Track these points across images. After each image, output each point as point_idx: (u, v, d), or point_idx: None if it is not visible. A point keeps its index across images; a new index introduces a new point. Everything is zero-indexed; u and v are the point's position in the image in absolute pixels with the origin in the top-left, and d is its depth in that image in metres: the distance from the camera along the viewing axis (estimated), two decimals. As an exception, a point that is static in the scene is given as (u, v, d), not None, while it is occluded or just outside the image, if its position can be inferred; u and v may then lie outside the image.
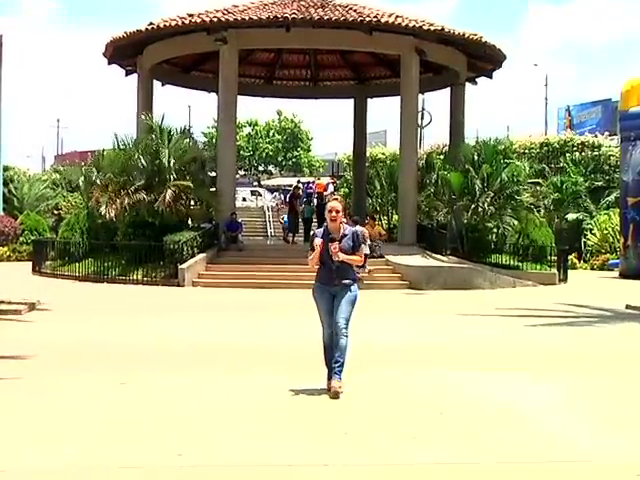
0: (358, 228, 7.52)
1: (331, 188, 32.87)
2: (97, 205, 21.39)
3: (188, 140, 22.96)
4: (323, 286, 6.80)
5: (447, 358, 9.06)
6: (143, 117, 22.92)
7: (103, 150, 24.74)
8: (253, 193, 44.44)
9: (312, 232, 7.12)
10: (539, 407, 6.50)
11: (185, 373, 7.78)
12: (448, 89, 26.21)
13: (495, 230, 22.34)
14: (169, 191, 20.77)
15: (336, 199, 6.99)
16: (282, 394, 6.71)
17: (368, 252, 16.33)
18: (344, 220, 6.91)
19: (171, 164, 21.38)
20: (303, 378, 7.29)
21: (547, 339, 10.74)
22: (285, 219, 29.17)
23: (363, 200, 28.96)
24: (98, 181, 22.33)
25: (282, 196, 45.25)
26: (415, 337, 10.93)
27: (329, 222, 6.81)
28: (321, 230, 6.92)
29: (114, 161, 22.02)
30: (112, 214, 20.77)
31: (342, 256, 6.67)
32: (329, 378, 6.73)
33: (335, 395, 6.56)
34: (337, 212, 6.75)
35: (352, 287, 6.79)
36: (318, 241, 6.70)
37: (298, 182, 35.76)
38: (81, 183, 24.98)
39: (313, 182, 35.27)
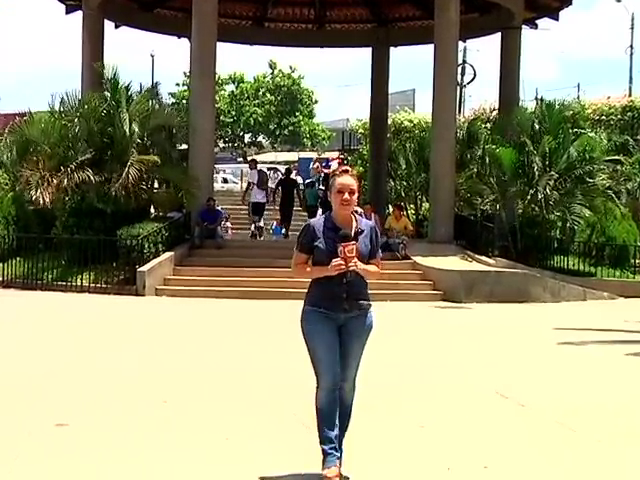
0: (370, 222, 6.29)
1: (334, 165, 32.97)
2: (27, 187, 21.44)
3: (153, 101, 23.00)
4: (325, 313, 5.74)
5: None
6: (92, 68, 22.90)
7: (30, 113, 24.79)
8: (275, 171, 41.87)
9: (307, 223, 6.03)
10: None
11: (129, 416, 7.94)
12: (498, 35, 26.30)
13: (559, 224, 22.40)
14: (132, 169, 20.82)
15: (347, 171, 5.87)
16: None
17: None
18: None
19: (133, 133, 21.42)
20: (287, 458, 6.44)
21: None
22: (274, 227, 29.05)
23: (382, 182, 29.01)
24: (28, 155, 22.38)
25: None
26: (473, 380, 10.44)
27: (339, 208, 5.77)
28: (319, 220, 5.91)
29: (49, 128, 22.07)
30: (47, 199, 20.82)
31: (361, 265, 5.70)
32: (328, 461, 5.68)
33: None
34: (352, 193, 5.71)
35: (370, 311, 5.92)
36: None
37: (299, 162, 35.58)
38: (5, 157, 25.03)
39: (327, 159, 35.33)
